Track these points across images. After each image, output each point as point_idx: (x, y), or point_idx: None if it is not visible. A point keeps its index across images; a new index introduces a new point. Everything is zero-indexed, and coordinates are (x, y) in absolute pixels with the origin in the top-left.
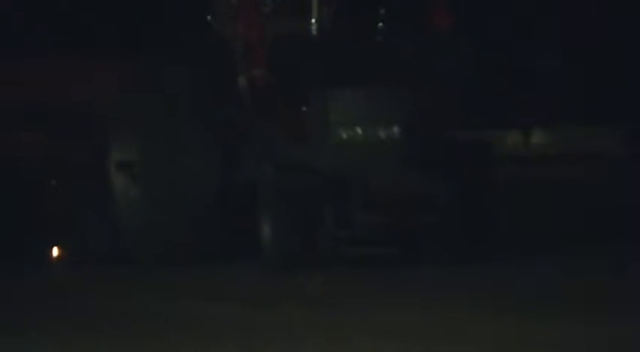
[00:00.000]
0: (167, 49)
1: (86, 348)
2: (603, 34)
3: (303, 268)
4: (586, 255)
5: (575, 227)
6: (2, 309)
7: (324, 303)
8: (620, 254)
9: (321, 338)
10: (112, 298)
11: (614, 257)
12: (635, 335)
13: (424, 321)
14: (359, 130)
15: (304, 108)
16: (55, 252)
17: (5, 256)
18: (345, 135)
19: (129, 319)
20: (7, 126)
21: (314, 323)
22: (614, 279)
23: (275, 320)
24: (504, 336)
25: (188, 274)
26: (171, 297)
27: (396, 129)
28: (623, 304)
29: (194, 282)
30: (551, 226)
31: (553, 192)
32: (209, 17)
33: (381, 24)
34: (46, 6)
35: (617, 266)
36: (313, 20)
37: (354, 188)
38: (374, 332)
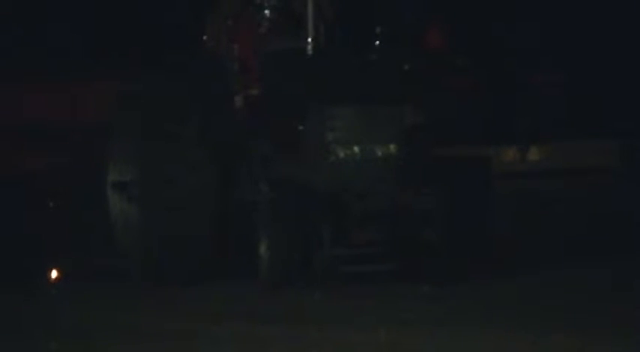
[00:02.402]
0: (162, 68)
1: None
2: (600, 47)
3: (301, 286)
4: (586, 269)
5: (575, 242)
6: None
7: (320, 321)
8: (621, 268)
9: None
10: (109, 318)
11: (615, 272)
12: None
13: (417, 338)
14: (355, 148)
15: (300, 127)
16: (53, 273)
17: (3, 277)
18: (341, 153)
19: (125, 338)
20: (7, 146)
21: (309, 340)
22: (614, 293)
23: (271, 338)
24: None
25: (185, 293)
26: (167, 315)
27: (392, 146)
28: (622, 319)
29: (190, 301)
30: (549, 241)
31: (552, 207)
32: (204, 36)
33: (377, 41)
34: (41, 27)
35: (618, 280)
36: (309, 38)
37: (351, 205)
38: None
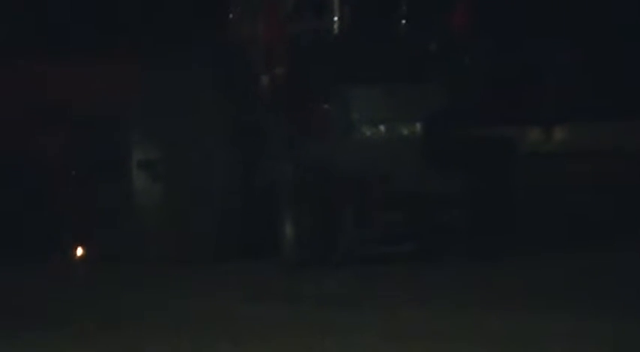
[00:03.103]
0: (187, 49)
1: (105, 343)
2: (624, 26)
3: (323, 267)
4: (607, 252)
5: (598, 223)
6: (25, 306)
7: (340, 302)
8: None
9: (332, 336)
10: (130, 295)
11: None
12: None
13: (436, 320)
14: (380, 128)
15: (325, 107)
16: (79, 250)
17: (27, 253)
18: (366, 134)
19: (145, 314)
20: (31, 125)
21: (328, 321)
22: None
23: (291, 318)
24: (517, 336)
25: (207, 272)
26: (189, 294)
27: (417, 127)
28: (632, 302)
29: (212, 280)
30: (573, 222)
31: (576, 189)
32: (230, 16)
33: (402, 21)
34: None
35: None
36: (335, 18)
37: (375, 186)
38: (378, 332)
